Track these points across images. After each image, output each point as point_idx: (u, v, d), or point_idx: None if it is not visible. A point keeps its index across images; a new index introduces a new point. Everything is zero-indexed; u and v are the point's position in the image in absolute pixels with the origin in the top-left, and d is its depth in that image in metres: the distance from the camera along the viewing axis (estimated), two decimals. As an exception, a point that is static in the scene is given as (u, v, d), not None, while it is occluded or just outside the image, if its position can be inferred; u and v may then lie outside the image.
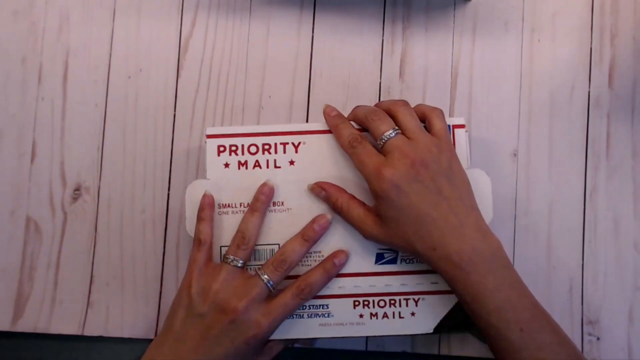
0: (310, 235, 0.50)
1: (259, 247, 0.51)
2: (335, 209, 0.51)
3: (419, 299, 0.51)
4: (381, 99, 0.58)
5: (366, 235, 0.49)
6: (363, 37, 0.59)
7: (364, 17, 0.59)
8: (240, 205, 0.51)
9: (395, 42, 0.59)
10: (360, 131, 0.51)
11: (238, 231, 0.50)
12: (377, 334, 0.52)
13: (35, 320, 0.57)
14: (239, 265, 0.49)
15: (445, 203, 0.47)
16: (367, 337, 0.54)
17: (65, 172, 0.58)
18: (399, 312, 0.51)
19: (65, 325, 0.57)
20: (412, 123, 0.49)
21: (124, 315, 0.57)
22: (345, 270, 0.51)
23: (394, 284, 0.51)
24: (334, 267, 0.50)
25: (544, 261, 0.57)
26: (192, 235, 0.51)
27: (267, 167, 0.52)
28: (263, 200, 0.50)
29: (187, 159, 0.58)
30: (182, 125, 0.58)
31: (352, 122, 0.52)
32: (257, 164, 0.52)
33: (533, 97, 0.58)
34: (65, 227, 0.57)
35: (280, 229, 0.51)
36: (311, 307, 0.51)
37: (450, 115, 0.58)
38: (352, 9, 0.59)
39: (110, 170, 0.58)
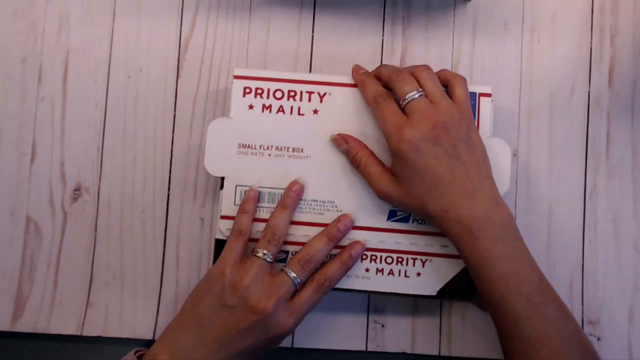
0: (335, 235, 0.51)
1: (273, 190, 0.52)
2: (354, 162, 0.51)
3: (426, 259, 0.52)
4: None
5: (379, 193, 0.50)
6: (363, 37, 0.59)
7: (364, 17, 0.59)
8: (260, 148, 0.52)
9: (395, 42, 0.59)
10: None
11: (269, 227, 0.51)
12: (380, 290, 0.52)
13: (34, 320, 0.57)
14: (269, 259, 0.50)
15: (461, 168, 0.48)
16: (369, 293, 0.53)
17: (65, 172, 0.58)
18: (405, 271, 0.52)
19: (64, 325, 0.57)
20: (435, 87, 0.50)
21: (123, 316, 0.57)
22: (357, 223, 0.52)
23: (404, 242, 0.52)
24: (350, 259, 0.51)
25: (544, 261, 0.57)
26: (211, 171, 0.52)
27: (291, 113, 0.52)
28: (294, 198, 0.51)
29: (187, 159, 0.58)
30: (182, 125, 0.58)
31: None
32: (280, 109, 0.52)
33: (533, 97, 0.58)
34: (65, 227, 0.57)
35: (296, 174, 0.52)
36: None
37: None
38: (352, 9, 0.59)
39: (110, 170, 0.58)
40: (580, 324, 0.56)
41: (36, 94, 0.58)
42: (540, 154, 0.58)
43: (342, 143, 0.52)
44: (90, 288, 0.57)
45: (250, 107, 0.52)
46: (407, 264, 0.52)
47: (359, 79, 0.53)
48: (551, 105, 0.58)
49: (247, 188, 0.52)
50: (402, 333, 0.57)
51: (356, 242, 0.52)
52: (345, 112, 0.53)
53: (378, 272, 0.52)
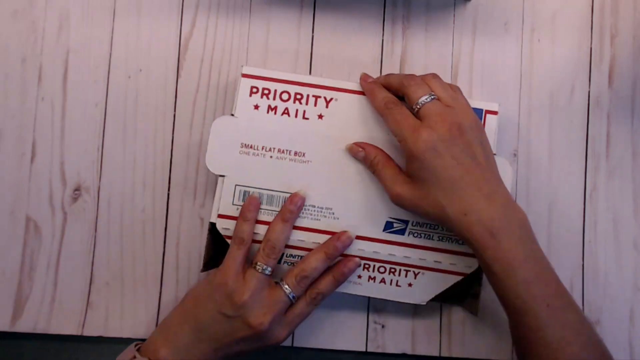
0: (333, 254, 0.51)
1: (272, 192, 0.52)
2: (371, 166, 0.51)
3: (419, 272, 0.52)
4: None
5: (394, 196, 0.49)
6: (363, 37, 0.59)
7: (364, 17, 0.59)
8: (262, 149, 0.52)
9: (395, 42, 0.59)
10: None
11: (268, 240, 0.51)
12: (371, 295, 0.53)
13: (34, 320, 0.57)
14: (267, 272, 0.50)
15: (478, 169, 0.47)
16: (366, 297, 0.55)
17: (65, 172, 0.58)
18: (397, 281, 0.52)
19: (64, 325, 0.57)
20: (446, 92, 0.50)
21: (123, 316, 0.57)
22: (353, 232, 0.52)
23: (398, 254, 0.52)
24: (343, 276, 0.52)
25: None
26: (211, 168, 0.52)
27: (296, 116, 0.52)
28: (294, 211, 0.51)
29: (187, 159, 0.58)
30: (182, 125, 0.58)
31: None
32: (286, 111, 0.52)
33: (533, 97, 0.58)
34: (65, 227, 0.57)
35: (296, 179, 0.52)
36: None
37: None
38: (352, 9, 0.59)
39: (110, 170, 0.58)
40: (580, 324, 0.56)
41: (36, 94, 0.58)
42: (540, 154, 0.58)
43: (359, 151, 0.52)
44: (90, 288, 0.57)
45: (256, 107, 0.52)
46: (399, 275, 0.52)
47: (368, 88, 0.52)
48: (551, 105, 0.58)
49: (247, 189, 0.52)
50: (403, 334, 0.57)
51: (350, 260, 0.52)
52: (350, 119, 0.52)
53: (370, 280, 0.52)
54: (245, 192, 0.52)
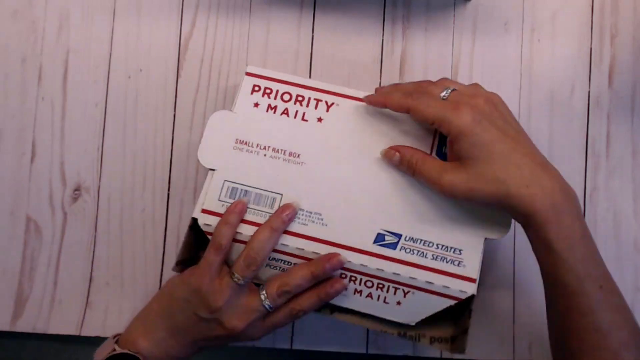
0: (320, 275, 0.48)
1: (261, 191, 0.49)
2: (409, 167, 0.48)
3: (408, 291, 0.48)
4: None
5: (446, 186, 0.45)
6: (363, 37, 0.59)
7: (364, 17, 0.59)
8: (257, 146, 0.51)
9: (395, 42, 0.59)
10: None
11: (250, 249, 0.47)
12: (356, 308, 0.50)
13: (34, 320, 0.57)
14: (245, 282, 0.48)
15: (524, 139, 0.45)
16: (343, 310, 0.51)
17: (65, 172, 0.58)
18: (385, 297, 0.49)
19: (64, 325, 0.57)
20: (462, 84, 0.48)
21: (122, 316, 0.57)
22: (340, 242, 0.48)
23: (387, 270, 0.48)
24: (327, 297, 0.48)
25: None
26: (202, 161, 0.50)
27: (295, 117, 0.51)
28: (284, 222, 0.48)
29: (187, 159, 0.58)
30: (182, 125, 0.58)
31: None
32: (285, 112, 0.51)
33: (533, 97, 0.58)
34: (65, 227, 0.57)
35: (289, 179, 0.50)
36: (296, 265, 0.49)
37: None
38: (352, 9, 0.59)
39: (110, 170, 0.58)
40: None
41: (36, 94, 0.58)
42: (541, 154, 0.58)
43: (394, 154, 0.48)
44: (90, 288, 0.57)
45: (256, 104, 0.52)
46: (387, 291, 0.48)
47: (382, 92, 0.50)
48: (551, 105, 0.58)
49: (235, 185, 0.50)
50: (402, 333, 0.57)
51: (338, 281, 0.48)
52: (349, 125, 0.51)
53: (356, 293, 0.49)
54: (233, 188, 0.50)
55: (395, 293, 0.48)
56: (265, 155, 0.50)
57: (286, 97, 0.52)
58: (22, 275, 0.57)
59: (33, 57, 0.58)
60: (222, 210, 0.49)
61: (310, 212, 0.49)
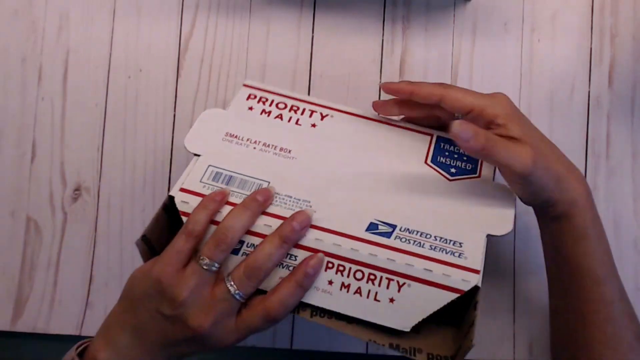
0: (289, 237, 0.42)
1: (247, 178, 0.45)
2: (483, 149, 0.42)
3: (404, 283, 0.42)
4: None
5: (523, 163, 0.41)
6: (363, 37, 0.59)
7: (364, 17, 0.59)
8: (247, 140, 0.48)
9: (395, 42, 0.59)
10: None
11: (220, 227, 0.42)
12: (341, 311, 0.43)
13: (34, 320, 0.57)
14: (213, 269, 0.42)
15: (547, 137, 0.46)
16: (325, 313, 0.44)
17: (65, 172, 0.58)
18: (376, 293, 0.42)
19: (64, 325, 0.57)
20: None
21: (123, 316, 0.57)
22: (328, 227, 0.43)
23: (380, 255, 0.42)
24: (307, 278, 0.42)
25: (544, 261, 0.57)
26: (189, 148, 0.47)
27: (289, 121, 0.51)
28: (259, 202, 0.43)
29: (187, 159, 0.58)
30: (182, 125, 0.58)
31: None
32: (279, 116, 0.51)
33: (533, 97, 0.58)
34: (65, 227, 0.57)
35: (276, 170, 0.46)
36: None
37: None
38: (352, 9, 0.59)
39: (110, 170, 0.58)
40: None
41: (36, 94, 0.58)
42: (540, 154, 0.58)
43: (467, 127, 0.42)
44: (89, 288, 0.57)
45: (250, 108, 0.51)
46: (379, 284, 0.42)
47: (406, 82, 0.48)
48: (551, 105, 0.58)
49: (220, 170, 0.46)
50: (402, 333, 0.57)
51: (312, 256, 0.42)
52: (342, 134, 0.50)
53: (343, 288, 0.42)
54: (217, 173, 0.45)
55: (388, 286, 0.42)
56: (254, 148, 0.48)
57: (281, 105, 0.51)
58: (22, 275, 0.57)
59: (33, 57, 0.58)
60: (203, 191, 0.44)
61: (299, 199, 0.44)
